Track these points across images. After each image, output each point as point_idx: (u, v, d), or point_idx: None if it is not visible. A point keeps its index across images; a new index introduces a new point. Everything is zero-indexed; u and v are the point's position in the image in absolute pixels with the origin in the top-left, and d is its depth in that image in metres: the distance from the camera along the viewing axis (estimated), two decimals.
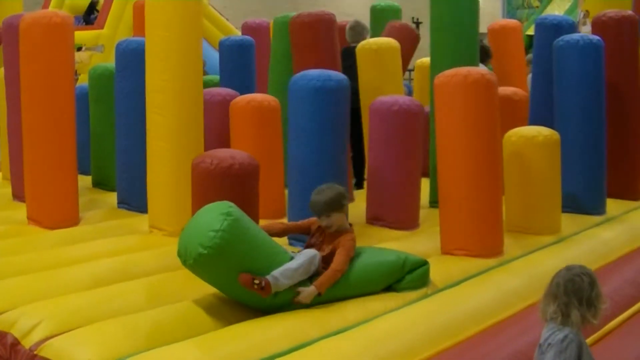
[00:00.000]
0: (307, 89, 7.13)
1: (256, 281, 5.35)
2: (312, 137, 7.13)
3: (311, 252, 5.71)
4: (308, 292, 5.57)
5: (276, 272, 5.44)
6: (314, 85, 7.12)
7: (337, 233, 5.90)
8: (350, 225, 6.00)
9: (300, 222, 6.21)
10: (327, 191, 5.93)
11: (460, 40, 8.33)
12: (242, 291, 5.46)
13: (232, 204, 5.52)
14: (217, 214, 5.38)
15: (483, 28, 10.13)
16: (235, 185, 6.55)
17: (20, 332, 5.33)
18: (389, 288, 6.02)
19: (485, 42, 11.43)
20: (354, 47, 9.87)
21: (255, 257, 5.46)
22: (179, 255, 5.51)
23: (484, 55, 10.32)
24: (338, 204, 5.87)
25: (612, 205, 8.75)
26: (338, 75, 7.33)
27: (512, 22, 12.10)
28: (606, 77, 8.73)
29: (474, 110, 6.83)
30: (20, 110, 8.04)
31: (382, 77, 9.46)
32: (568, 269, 4.16)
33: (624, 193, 9.14)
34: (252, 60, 10.65)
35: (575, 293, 4.05)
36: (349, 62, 9.59)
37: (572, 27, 9.99)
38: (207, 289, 5.66)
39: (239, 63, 10.53)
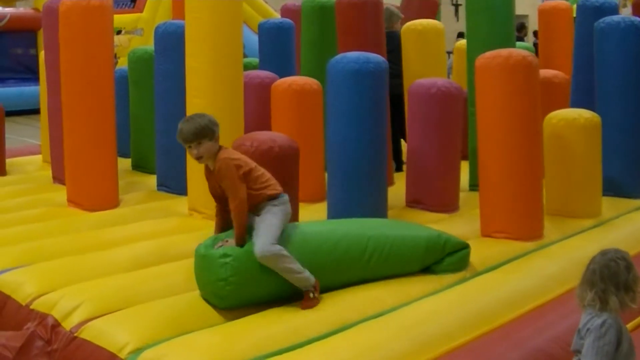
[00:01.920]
0: (345, 72, 7.08)
1: (315, 294, 5.39)
2: (351, 120, 7.08)
3: (260, 224, 5.36)
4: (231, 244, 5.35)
5: (296, 278, 5.36)
6: (352, 67, 7.06)
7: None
8: (220, 147, 5.50)
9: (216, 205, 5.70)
10: (197, 118, 5.48)
11: (496, 22, 8.25)
12: (280, 290, 5.45)
13: (220, 242, 5.37)
14: (215, 258, 5.28)
15: (527, 10, 10.00)
16: (275, 167, 6.52)
17: (60, 313, 5.40)
18: (427, 269, 6.01)
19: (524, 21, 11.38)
20: (392, 32, 9.80)
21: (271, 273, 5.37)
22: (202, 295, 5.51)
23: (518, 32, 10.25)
24: (209, 131, 5.39)
25: None
26: (377, 57, 7.24)
27: (563, 3, 11.89)
28: None
29: (514, 92, 6.78)
30: (61, 94, 8.11)
31: (425, 60, 9.41)
32: (603, 253, 4.09)
33: None
34: (292, 43, 10.60)
35: (611, 278, 3.98)
36: (389, 47, 9.52)
37: (614, 10, 9.87)
38: None
39: (278, 46, 10.48)
